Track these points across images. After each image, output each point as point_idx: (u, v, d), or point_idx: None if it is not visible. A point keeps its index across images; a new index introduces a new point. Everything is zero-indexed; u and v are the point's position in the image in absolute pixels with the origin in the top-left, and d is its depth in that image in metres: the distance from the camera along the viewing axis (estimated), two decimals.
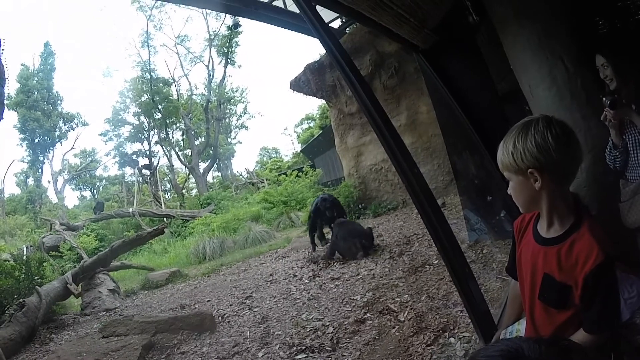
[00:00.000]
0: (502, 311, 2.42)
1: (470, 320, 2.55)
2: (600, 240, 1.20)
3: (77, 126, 28.74)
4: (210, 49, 26.99)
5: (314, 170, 16.33)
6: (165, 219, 15.89)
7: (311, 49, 54.66)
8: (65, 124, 28.10)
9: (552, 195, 1.26)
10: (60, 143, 28.58)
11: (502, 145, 1.29)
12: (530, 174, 1.23)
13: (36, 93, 26.22)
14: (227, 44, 26.13)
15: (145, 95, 26.59)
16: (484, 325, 2.05)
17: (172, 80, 27.60)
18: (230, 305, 5.84)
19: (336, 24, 10.25)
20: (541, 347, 0.72)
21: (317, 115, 25.95)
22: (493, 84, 4.31)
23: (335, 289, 5.36)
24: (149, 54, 25.82)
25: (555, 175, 1.23)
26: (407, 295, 4.44)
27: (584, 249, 1.21)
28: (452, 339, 3.27)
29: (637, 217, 2.37)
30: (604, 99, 2.35)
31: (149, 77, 26.00)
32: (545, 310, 1.35)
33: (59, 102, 27.71)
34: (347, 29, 10.29)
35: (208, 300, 6.40)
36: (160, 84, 26.70)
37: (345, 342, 3.82)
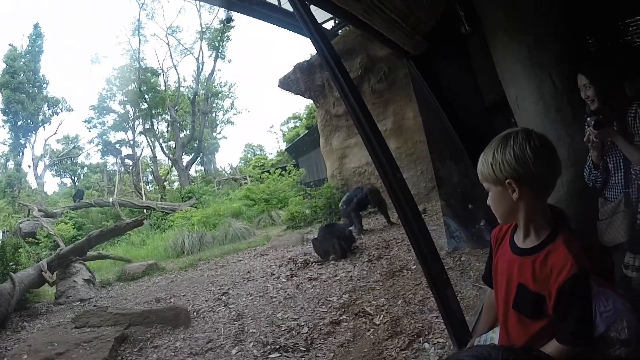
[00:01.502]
0: (477, 319, 2.44)
1: (445, 327, 2.56)
2: (575, 253, 1.21)
3: (62, 111, 27.84)
4: (201, 42, 26.63)
5: (298, 170, 16.31)
6: (145, 211, 15.66)
7: (302, 49, 54.77)
8: (49, 109, 27.16)
9: (530, 206, 1.28)
10: (43, 127, 27.66)
11: (482, 156, 1.31)
12: (508, 184, 1.25)
13: (22, 75, 25.29)
14: (219, 38, 25.86)
15: (132, 84, 26.05)
16: (458, 332, 2.06)
17: (160, 71, 27.15)
18: (206, 300, 5.79)
19: (329, 25, 10.28)
20: (511, 355, 0.73)
21: (304, 115, 25.92)
22: (481, 94, 4.34)
23: (312, 289, 5.35)
24: (139, 42, 25.41)
25: (533, 187, 1.24)
26: (383, 299, 4.45)
27: (558, 261, 1.23)
28: (426, 344, 3.29)
29: (614, 236, 2.42)
30: (587, 119, 2.38)
31: (137, 65, 25.57)
32: (519, 319, 1.36)
33: (44, 85, 26.80)
34: (340, 30, 10.31)
35: (184, 295, 6.33)
36: (149, 74, 26.23)
37: (319, 343, 3.81)
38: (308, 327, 4.14)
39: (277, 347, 3.84)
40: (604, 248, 2.52)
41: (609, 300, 1.48)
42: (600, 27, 3.75)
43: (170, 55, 27.30)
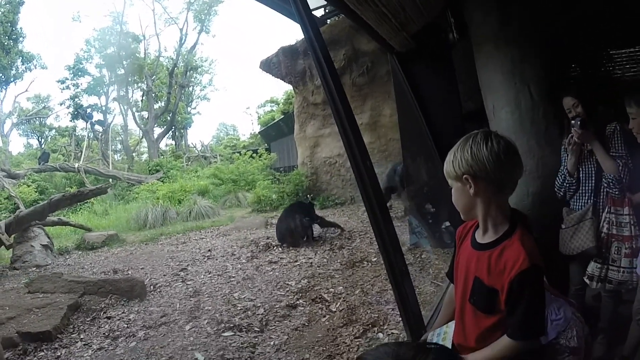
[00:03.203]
0: (432, 313, 2.52)
1: (400, 319, 2.63)
2: (529, 249, 1.27)
3: (35, 68, 26.32)
4: (188, 13, 26.10)
5: (269, 154, 16.18)
6: (110, 180, 15.31)
7: (288, 33, 54.12)
8: (23, 64, 25.57)
9: (487, 202, 1.35)
10: (15, 83, 26.27)
11: (447, 155, 1.39)
12: (465, 180, 1.32)
13: None
14: (206, 11, 25.35)
15: (112, 47, 25.24)
16: (413, 325, 2.10)
17: (142, 38, 26.53)
18: (164, 275, 5.75)
19: (319, 13, 10.18)
20: (412, 350, 0.82)
21: (282, 100, 25.60)
22: (459, 100, 4.43)
23: (271, 272, 5.38)
24: (124, 4, 24.62)
25: (489, 184, 1.31)
26: (341, 287, 4.52)
27: (512, 256, 1.28)
28: (380, 335, 3.36)
29: (580, 243, 2.53)
30: (572, 121, 2.49)
31: (119, 29, 24.72)
32: (473, 313, 1.40)
33: (20, 39, 25.14)
34: (329, 20, 10.24)
35: (142, 268, 6.27)
36: (130, 39, 25.49)
37: (274, 325, 3.84)
38: (264, 309, 4.17)
39: (231, 325, 3.86)
40: (562, 258, 2.64)
41: (560, 309, 1.55)
42: (585, 54, 3.91)
43: (154, 23, 26.66)
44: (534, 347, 1.32)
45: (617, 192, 2.39)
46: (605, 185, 2.45)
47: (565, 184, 2.64)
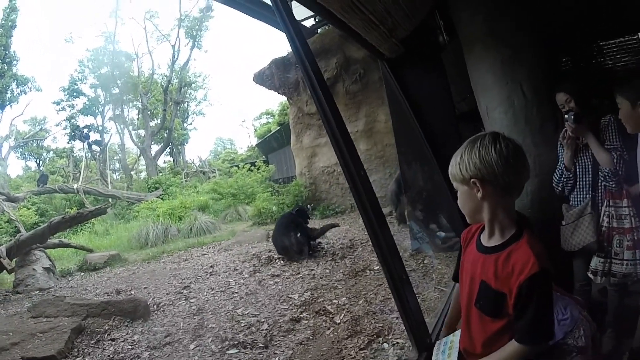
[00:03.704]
0: (437, 319, 2.48)
1: (404, 328, 2.59)
2: (538, 253, 1.25)
3: (30, 90, 26.12)
4: (179, 30, 26.26)
5: (267, 166, 16.17)
6: (110, 200, 15.31)
7: (279, 44, 54.29)
8: (18, 87, 25.47)
9: (494, 205, 1.32)
10: (10, 106, 26.02)
11: (453, 158, 1.37)
12: (473, 183, 1.30)
13: None
14: (197, 27, 25.52)
15: (105, 67, 25.37)
16: (417, 333, 2.07)
17: (135, 56, 26.69)
18: (167, 294, 5.70)
19: (308, 23, 10.24)
20: None
21: (277, 112, 25.65)
22: (452, 102, 4.42)
23: (274, 286, 5.33)
24: (116, 24, 24.80)
25: (496, 187, 1.29)
26: (344, 298, 4.48)
27: (520, 259, 1.26)
28: (385, 345, 3.32)
29: (581, 238, 2.52)
30: (565, 116, 2.49)
31: (112, 49, 24.89)
32: (480, 318, 1.38)
33: (14, 62, 25.07)
34: (319, 29, 10.29)
35: (145, 287, 6.22)
36: (123, 58, 25.66)
37: (278, 340, 3.79)
38: (268, 324, 4.12)
39: (236, 342, 3.81)
40: (564, 255, 2.62)
41: (567, 309, 1.53)
42: (576, 48, 3.92)
43: (147, 41, 26.82)
44: (542, 351, 1.29)
45: (613, 185, 2.39)
46: (602, 178, 2.44)
47: (562, 179, 2.63)
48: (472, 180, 1.30)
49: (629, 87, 2.17)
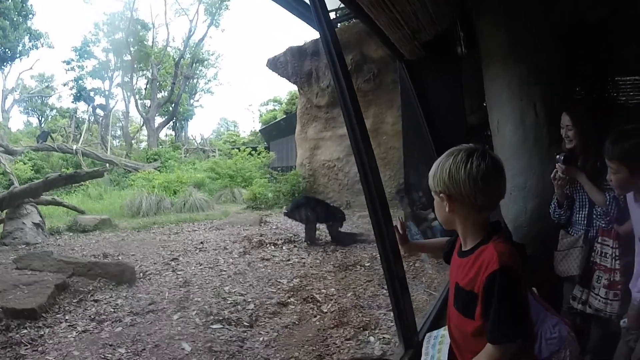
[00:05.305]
0: (425, 320, 2.53)
1: (393, 324, 2.63)
2: (500, 252, 1.25)
3: (42, 46, 25.92)
4: (199, 5, 26.09)
5: (268, 153, 16.17)
6: (107, 165, 15.23)
7: (297, 33, 54.05)
8: (30, 41, 25.20)
9: (464, 219, 1.35)
10: (20, 59, 25.90)
11: (432, 166, 1.37)
12: (441, 197, 1.33)
13: (10, 0, 23.73)
14: (217, 5, 25.35)
15: (120, 33, 25.12)
16: (406, 331, 2.11)
17: (151, 26, 26.47)
18: (155, 263, 5.74)
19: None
20: None
21: (285, 100, 25.64)
22: (465, 113, 4.45)
23: (263, 269, 5.38)
24: None
25: (464, 205, 1.30)
26: (333, 289, 4.53)
27: (485, 258, 1.27)
28: (371, 338, 3.37)
29: (567, 268, 2.59)
30: (557, 155, 2.52)
31: (129, 15, 24.65)
32: (459, 319, 1.40)
33: (30, 16, 24.78)
34: (339, 24, 10.27)
35: (133, 255, 6.25)
36: (139, 26, 25.39)
37: (263, 321, 3.84)
38: (254, 304, 4.17)
39: (221, 318, 3.85)
40: (556, 277, 2.67)
41: (555, 327, 1.56)
42: (591, 79, 3.93)
43: (165, 12, 26.56)
44: (515, 351, 1.25)
45: (603, 224, 2.43)
46: (595, 217, 2.49)
47: (556, 215, 2.68)
48: (440, 194, 1.32)
49: (631, 152, 1.88)
